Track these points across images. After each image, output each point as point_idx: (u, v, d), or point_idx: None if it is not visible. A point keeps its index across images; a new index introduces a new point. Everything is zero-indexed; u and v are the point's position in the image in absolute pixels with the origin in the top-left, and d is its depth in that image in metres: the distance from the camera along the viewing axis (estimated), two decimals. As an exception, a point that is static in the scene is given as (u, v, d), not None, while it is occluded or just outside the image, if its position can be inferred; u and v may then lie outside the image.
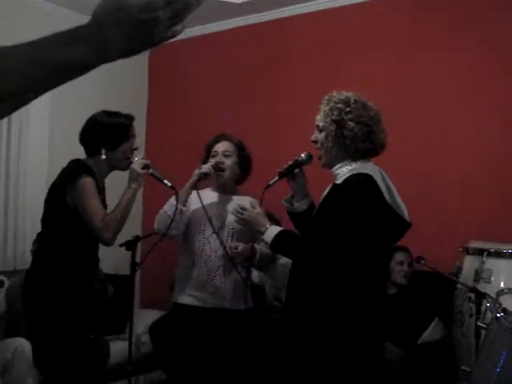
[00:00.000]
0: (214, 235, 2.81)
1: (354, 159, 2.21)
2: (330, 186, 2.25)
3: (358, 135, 2.17)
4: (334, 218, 2.09)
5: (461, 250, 3.17)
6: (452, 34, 3.83)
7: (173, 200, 2.74)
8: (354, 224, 2.06)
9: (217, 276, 2.80)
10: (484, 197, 3.58)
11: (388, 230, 2.15)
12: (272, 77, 4.55)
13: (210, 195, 2.91)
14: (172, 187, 2.70)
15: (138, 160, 2.61)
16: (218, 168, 2.81)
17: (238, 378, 2.84)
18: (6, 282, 3.66)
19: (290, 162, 2.45)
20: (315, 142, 2.29)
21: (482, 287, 2.87)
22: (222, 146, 2.89)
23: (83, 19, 0.90)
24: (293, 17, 4.49)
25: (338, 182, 2.18)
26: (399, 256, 3.58)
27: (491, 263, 2.96)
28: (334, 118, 2.20)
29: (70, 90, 4.49)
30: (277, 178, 2.46)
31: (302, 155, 2.44)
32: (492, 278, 2.93)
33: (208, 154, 2.93)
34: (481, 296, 2.76)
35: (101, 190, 2.67)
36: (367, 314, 2.15)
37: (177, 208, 2.69)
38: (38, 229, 3.99)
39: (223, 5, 4.38)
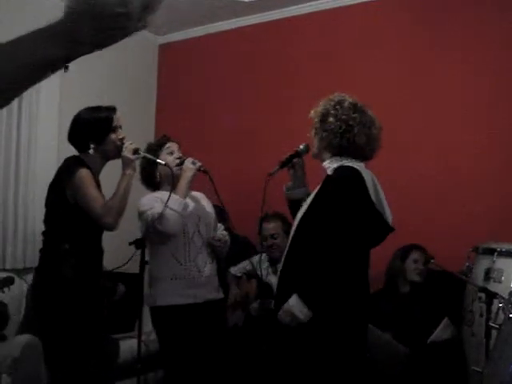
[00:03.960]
0: (197, 233, 2.91)
1: (340, 155, 2.32)
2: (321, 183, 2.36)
3: (335, 131, 2.30)
4: (324, 211, 2.22)
5: (471, 249, 3.16)
6: (458, 34, 3.83)
7: (178, 198, 2.76)
8: (341, 215, 2.17)
9: (206, 270, 2.89)
10: (495, 196, 3.57)
11: (369, 225, 2.22)
12: (281, 74, 4.55)
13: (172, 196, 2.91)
14: (166, 165, 2.77)
15: (127, 147, 2.66)
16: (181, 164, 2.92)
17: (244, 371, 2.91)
18: (17, 280, 3.67)
19: (290, 153, 2.59)
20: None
21: (493, 287, 2.87)
22: (176, 146, 3.01)
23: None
24: (301, 15, 4.49)
25: (329, 173, 2.31)
26: (415, 254, 3.56)
27: (502, 263, 2.95)
28: (321, 112, 2.36)
29: (79, 82, 4.54)
30: (277, 167, 2.59)
31: (301, 146, 2.57)
32: (503, 278, 2.92)
33: (156, 151, 2.95)
34: (491, 296, 2.75)
35: (97, 183, 2.70)
36: (350, 306, 2.23)
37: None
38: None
39: (232, 3, 4.38)
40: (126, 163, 2.64)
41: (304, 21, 4.46)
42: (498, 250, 2.98)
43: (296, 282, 2.25)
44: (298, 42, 4.50)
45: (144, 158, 2.76)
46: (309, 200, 2.35)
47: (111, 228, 2.59)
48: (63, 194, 2.60)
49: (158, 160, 2.77)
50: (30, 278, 3.86)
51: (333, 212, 2.19)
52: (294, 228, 2.36)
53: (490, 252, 3.02)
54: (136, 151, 2.67)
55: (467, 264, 3.15)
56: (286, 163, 2.58)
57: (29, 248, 4.13)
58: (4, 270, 3.93)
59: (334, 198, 2.20)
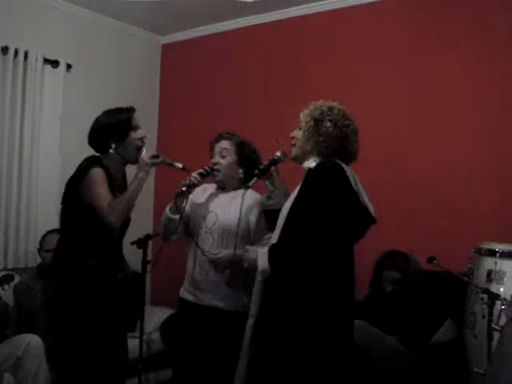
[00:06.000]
0: (207, 234, 2.82)
1: (323, 156, 2.35)
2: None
3: (333, 135, 2.34)
4: (307, 199, 2.22)
5: (473, 250, 3.15)
6: (461, 34, 3.82)
7: (167, 210, 2.81)
8: (323, 204, 2.17)
9: (210, 275, 2.79)
10: (497, 197, 3.56)
11: (352, 216, 2.24)
12: (285, 74, 4.55)
13: (210, 193, 2.93)
14: (183, 168, 2.75)
15: (147, 151, 2.72)
16: (212, 169, 2.84)
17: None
18: (17, 278, 3.68)
19: (266, 162, 2.59)
20: (293, 137, 2.47)
21: (495, 288, 2.86)
22: (220, 146, 2.91)
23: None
24: (303, 16, 4.48)
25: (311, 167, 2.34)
26: (385, 274, 3.45)
27: (504, 264, 2.94)
28: (315, 116, 2.38)
29: (83, 82, 4.54)
30: (255, 178, 2.58)
31: (278, 153, 2.58)
32: (505, 279, 2.91)
33: (212, 151, 2.97)
34: (493, 297, 2.74)
35: (114, 183, 2.72)
36: (337, 304, 2.24)
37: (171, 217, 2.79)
38: (50, 226, 4.04)
39: (235, 3, 4.37)
40: (141, 165, 2.68)
41: (307, 21, 4.45)
42: (501, 251, 2.97)
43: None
44: (301, 42, 4.49)
45: (162, 162, 2.75)
46: (294, 193, 2.36)
47: (112, 226, 2.60)
48: (77, 192, 2.63)
49: (176, 164, 2.76)
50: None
51: (314, 198, 2.21)
52: (282, 221, 2.36)
53: (493, 253, 3.01)
54: (155, 156, 2.71)
55: (469, 265, 3.14)
56: (264, 172, 2.58)
57: (30, 247, 4.14)
58: (6, 269, 3.94)
59: (315, 186, 2.23)
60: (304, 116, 2.43)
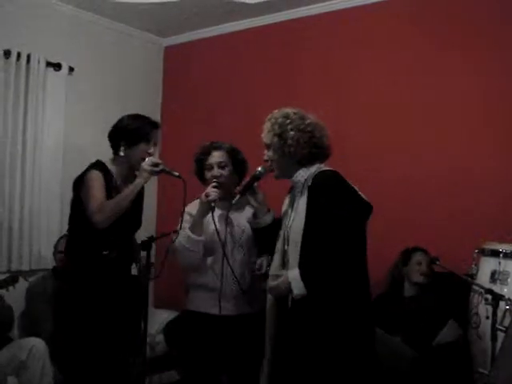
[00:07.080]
0: (235, 251, 2.80)
1: (306, 165, 2.39)
2: (306, 192, 2.37)
3: (301, 142, 2.37)
4: (329, 216, 2.23)
5: (477, 251, 3.14)
6: (459, 34, 3.81)
7: (189, 233, 2.70)
8: (347, 215, 2.22)
9: (242, 286, 2.77)
10: (501, 197, 3.55)
11: (362, 214, 2.31)
12: (285, 77, 4.55)
13: (218, 212, 2.83)
14: (178, 176, 2.75)
15: (148, 159, 2.76)
16: (218, 182, 2.76)
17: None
18: (22, 282, 3.68)
19: (248, 179, 2.63)
20: (267, 160, 2.50)
21: (499, 289, 2.85)
22: (215, 158, 2.83)
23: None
24: (306, 17, 4.48)
25: (309, 184, 2.35)
26: (417, 256, 3.55)
27: (508, 265, 2.93)
28: (276, 132, 2.40)
29: (85, 83, 4.54)
30: (238, 196, 2.61)
31: (259, 169, 2.59)
32: (509, 280, 2.90)
33: (200, 166, 2.88)
34: (497, 298, 2.73)
35: (114, 187, 2.77)
36: (362, 304, 2.32)
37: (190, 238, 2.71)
38: (53, 228, 4.04)
39: (237, 5, 4.38)
40: (140, 172, 2.74)
41: (308, 23, 4.44)
42: (504, 251, 2.96)
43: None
44: (302, 43, 4.48)
45: (161, 171, 2.77)
46: (299, 212, 2.36)
47: (98, 225, 2.64)
48: (78, 194, 2.72)
49: (173, 172, 2.77)
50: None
51: (340, 214, 2.23)
52: (295, 242, 2.36)
53: (496, 254, 3.00)
54: (155, 164, 2.74)
55: (473, 266, 3.13)
56: (247, 189, 2.60)
57: (34, 250, 4.14)
58: (9, 271, 3.95)
59: (337, 202, 2.25)
60: (266, 137, 2.45)
